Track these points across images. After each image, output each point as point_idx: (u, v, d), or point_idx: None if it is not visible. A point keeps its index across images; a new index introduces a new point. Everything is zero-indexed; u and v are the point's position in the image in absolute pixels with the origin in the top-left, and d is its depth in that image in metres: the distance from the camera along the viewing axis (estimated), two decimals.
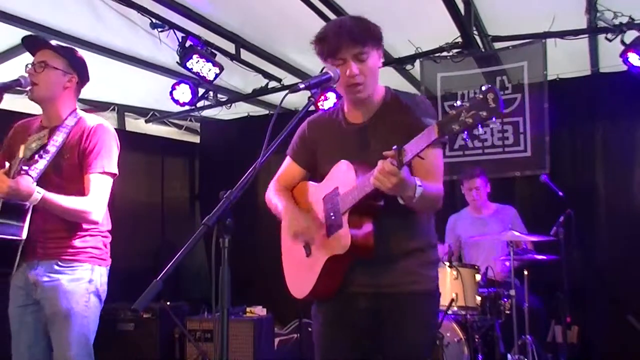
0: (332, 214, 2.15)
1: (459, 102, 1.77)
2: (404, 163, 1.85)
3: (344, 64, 2.09)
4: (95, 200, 2.57)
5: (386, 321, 2.15)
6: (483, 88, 1.72)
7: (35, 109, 2.81)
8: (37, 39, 2.86)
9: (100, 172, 2.59)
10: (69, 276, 2.57)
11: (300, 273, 2.28)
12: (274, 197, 2.37)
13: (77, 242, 2.60)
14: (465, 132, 1.75)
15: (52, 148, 2.58)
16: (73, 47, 2.95)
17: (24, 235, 2.50)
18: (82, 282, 2.59)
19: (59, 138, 2.61)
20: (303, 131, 2.36)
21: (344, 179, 2.12)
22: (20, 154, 2.47)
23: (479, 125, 1.72)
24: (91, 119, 2.71)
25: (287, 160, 2.44)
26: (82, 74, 2.76)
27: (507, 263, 4.40)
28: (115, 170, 2.66)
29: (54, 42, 2.75)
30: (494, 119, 1.70)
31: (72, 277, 2.57)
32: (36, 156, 2.49)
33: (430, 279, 2.22)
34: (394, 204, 2.01)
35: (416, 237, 2.20)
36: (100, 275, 2.65)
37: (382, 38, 2.17)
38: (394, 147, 1.85)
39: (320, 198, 2.23)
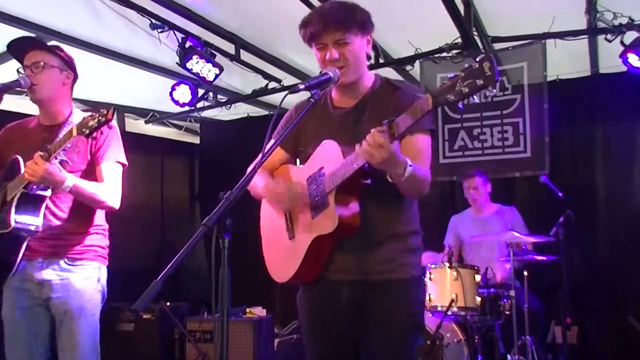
0: (316, 194, 2.11)
1: (452, 74, 1.75)
2: (396, 136, 1.83)
3: (325, 48, 2.09)
4: (112, 187, 2.63)
5: (367, 310, 2.12)
6: (478, 58, 1.71)
7: (35, 109, 2.81)
8: (29, 39, 2.87)
9: (113, 161, 2.66)
10: (79, 275, 2.58)
11: (283, 257, 2.25)
12: (256, 177, 2.25)
13: (86, 240, 2.62)
14: (460, 103, 1.73)
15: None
16: (59, 44, 2.96)
17: (40, 228, 2.51)
18: (92, 281, 2.61)
19: None
20: (290, 116, 2.33)
21: (329, 158, 2.08)
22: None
23: (474, 95, 1.71)
24: None
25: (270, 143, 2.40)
26: (74, 71, 2.77)
27: (508, 265, 4.41)
28: (125, 161, 2.72)
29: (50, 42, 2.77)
30: (489, 87, 1.69)
31: (82, 275, 2.59)
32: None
33: (411, 265, 2.16)
34: (379, 187, 1.99)
35: (399, 222, 2.17)
36: (104, 274, 2.69)
37: (370, 22, 2.15)
38: (385, 120, 1.84)
39: (304, 179, 2.20)
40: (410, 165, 1.90)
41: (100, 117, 2.33)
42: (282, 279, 2.27)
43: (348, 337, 2.17)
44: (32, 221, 2.49)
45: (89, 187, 2.55)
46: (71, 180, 2.46)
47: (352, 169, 1.96)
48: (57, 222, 2.59)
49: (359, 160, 1.92)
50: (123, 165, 2.72)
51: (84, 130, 2.34)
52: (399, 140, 1.89)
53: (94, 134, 2.39)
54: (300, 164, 2.32)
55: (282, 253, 2.27)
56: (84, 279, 2.59)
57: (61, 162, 2.49)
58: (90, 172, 2.64)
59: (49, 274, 2.56)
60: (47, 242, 2.57)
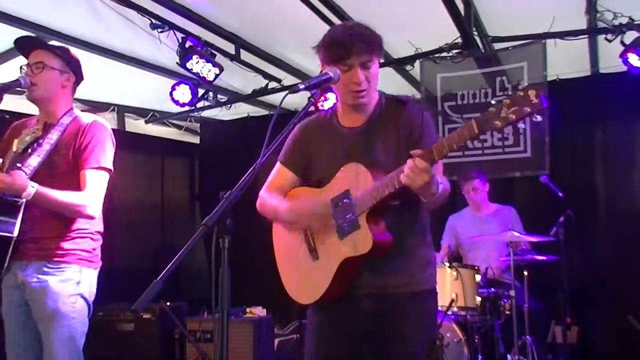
0: (343, 216, 2.12)
1: (494, 101, 1.82)
2: (436, 160, 1.90)
3: (349, 70, 2.09)
4: (91, 195, 2.56)
5: (386, 322, 2.15)
6: (521, 86, 1.80)
7: (35, 109, 2.81)
8: (33, 39, 2.88)
9: (95, 167, 2.59)
10: (57, 277, 2.55)
11: (307, 278, 2.25)
12: (272, 200, 2.30)
13: (66, 244, 2.58)
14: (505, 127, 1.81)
15: (47, 146, 2.58)
16: (67, 46, 2.96)
17: (16, 232, 2.50)
18: (70, 283, 2.57)
19: (53, 136, 2.61)
20: (296, 136, 2.32)
21: (356, 181, 2.11)
22: (14, 148, 2.49)
23: (522, 121, 1.78)
24: (86, 117, 2.72)
25: (278, 167, 2.37)
26: (77, 73, 2.76)
27: (505, 260, 4.43)
28: (110, 166, 2.65)
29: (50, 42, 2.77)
30: (537, 114, 1.76)
31: (60, 278, 2.55)
32: (29, 150, 2.52)
33: (429, 279, 2.24)
34: (403, 202, 2.04)
35: (418, 234, 2.23)
36: (89, 277, 2.63)
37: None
38: (424, 147, 1.90)
39: (328, 201, 2.19)
40: (440, 183, 1.97)
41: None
42: (308, 301, 2.26)
43: (361, 350, 2.20)
44: (7, 225, 2.48)
45: (57, 195, 2.50)
46: (32, 188, 2.44)
47: (386, 192, 2.00)
48: (38, 227, 2.57)
49: (394, 184, 1.96)
50: (108, 170, 2.64)
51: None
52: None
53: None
54: (312, 186, 2.30)
55: (305, 275, 2.26)
56: (61, 281, 2.55)
57: (39, 170, 2.51)
58: (73, 177, 2.58)
59: (30, 276, 2.55)
60: (31, 245, 2.56)
